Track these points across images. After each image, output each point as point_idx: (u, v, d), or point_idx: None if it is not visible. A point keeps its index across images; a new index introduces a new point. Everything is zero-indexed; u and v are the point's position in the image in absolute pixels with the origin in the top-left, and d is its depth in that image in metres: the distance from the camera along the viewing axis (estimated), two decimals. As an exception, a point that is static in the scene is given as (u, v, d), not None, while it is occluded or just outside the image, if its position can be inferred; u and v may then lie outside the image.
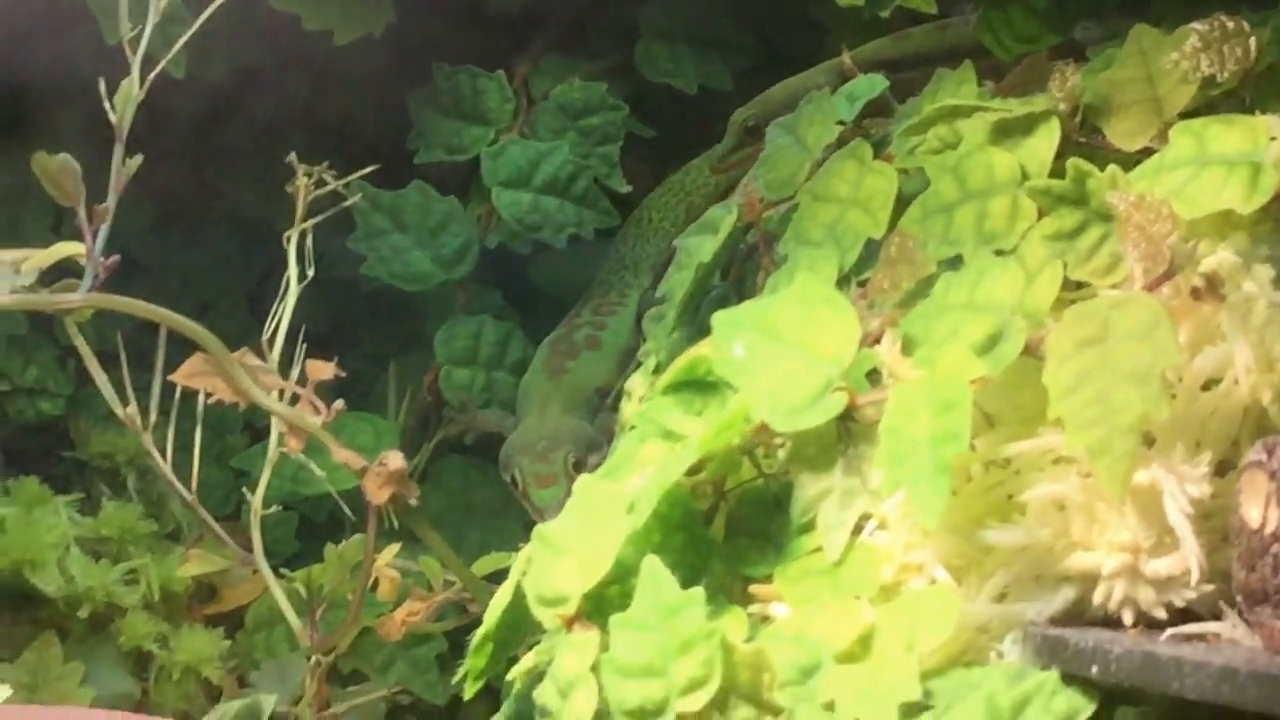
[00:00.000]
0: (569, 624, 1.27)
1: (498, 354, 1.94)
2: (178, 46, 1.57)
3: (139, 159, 1.52)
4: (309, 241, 1.65)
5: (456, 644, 1.65)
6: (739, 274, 1.52)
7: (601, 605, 1.26)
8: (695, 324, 1.48)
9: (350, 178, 1.70)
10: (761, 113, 1.74)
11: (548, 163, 1.94)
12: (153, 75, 1.54)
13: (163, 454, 1.65)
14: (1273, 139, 1.23)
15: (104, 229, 1.50)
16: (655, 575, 1.23)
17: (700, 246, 1.51)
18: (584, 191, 1.94)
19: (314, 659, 1.71)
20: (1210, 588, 1.15)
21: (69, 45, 1.78)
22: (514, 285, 1.99)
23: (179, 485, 1.66)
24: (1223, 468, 1.17)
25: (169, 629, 1.90)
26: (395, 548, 1.63)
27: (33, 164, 1.50)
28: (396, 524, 1.59)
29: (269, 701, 1.72)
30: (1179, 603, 1.16)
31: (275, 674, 1.83)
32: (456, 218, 1.95)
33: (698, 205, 1.85)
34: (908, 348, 1.28)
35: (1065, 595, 1.18)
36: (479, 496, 1.91)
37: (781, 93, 1.75)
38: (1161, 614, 1.16)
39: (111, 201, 1.50)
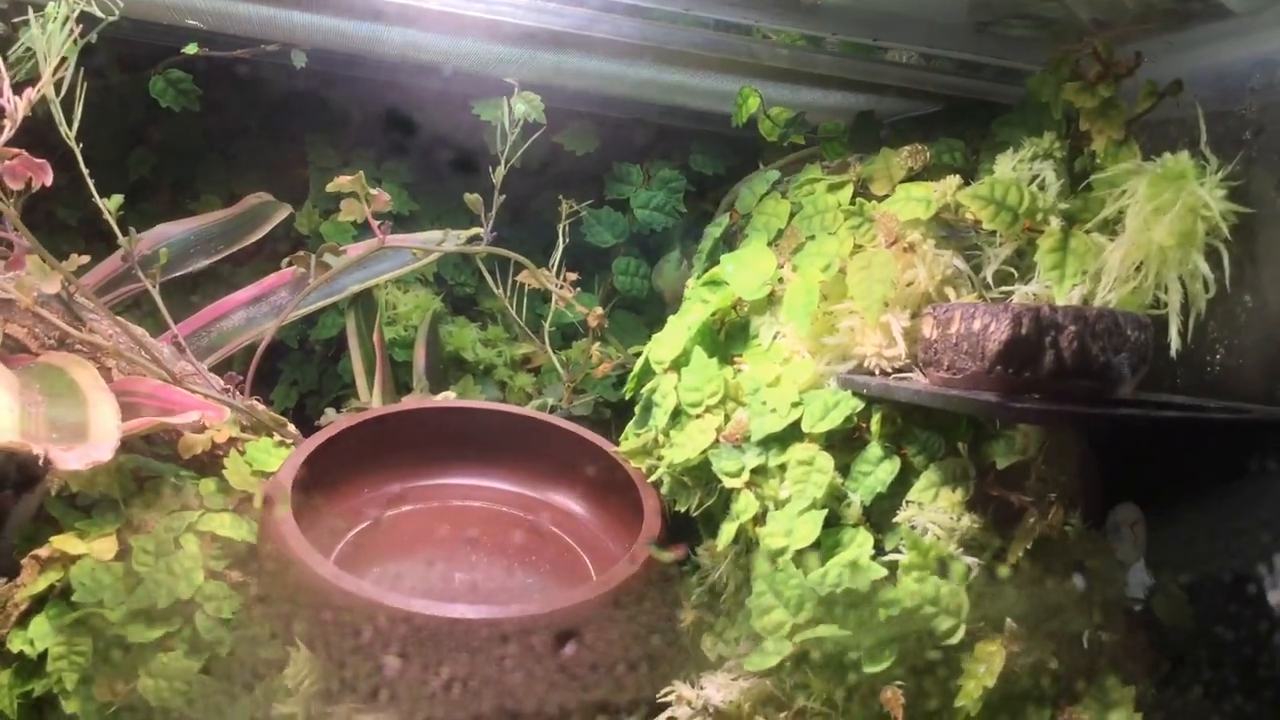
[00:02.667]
0: (665, 371, 1.26)
1: (635, 270, 1.91)
2: (519, 153, 1.54)
3: (503, 196, 1.50)
4: (566, 228, 1.62)
5: (622, 378, 1.64)
6: (730, 241, 1.49)
7: (677, 364, 1.25)
8: (712, 260, 1.45)
9: (583, 205, 1.67)
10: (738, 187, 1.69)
11: (653, 199, 1.90)
12: (508, 165, 1.51)
13: (512, 308, 1.64)
14: (935, 191, 1.20)
15: (491, 220, 1.49)
16: (698, 353, 1.22)
17: (715, 230, 1.49)
18: (667, 210, 1.89)
19: (566, 384, 1.70)
20: (908, 360, 1.13)
21: (475, 152, 1.75)
22: (642, 245, 1.95)
23: (516, 318, 1.65)
24: (915, 316, 1.15)
25: (512, 373, 1.88)
26: (598, 344, 1.61)
27: (465, 199, 1.48)
28: (601, 334, 1.57)
29: (550, 401, 1.72)
30: (897, 365, 1.14)
31: (554, 390, 1.79)
32: (621, 220, 1.91)
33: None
34: (795, 270, 1.26)
35: (852, 363, 1.17)
36: (629, 325, 1.88)
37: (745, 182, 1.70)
38: (890, 370, 1.14)
39: (493, 211, 1.49)
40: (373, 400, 1.61)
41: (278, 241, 1.91)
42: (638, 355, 1.66)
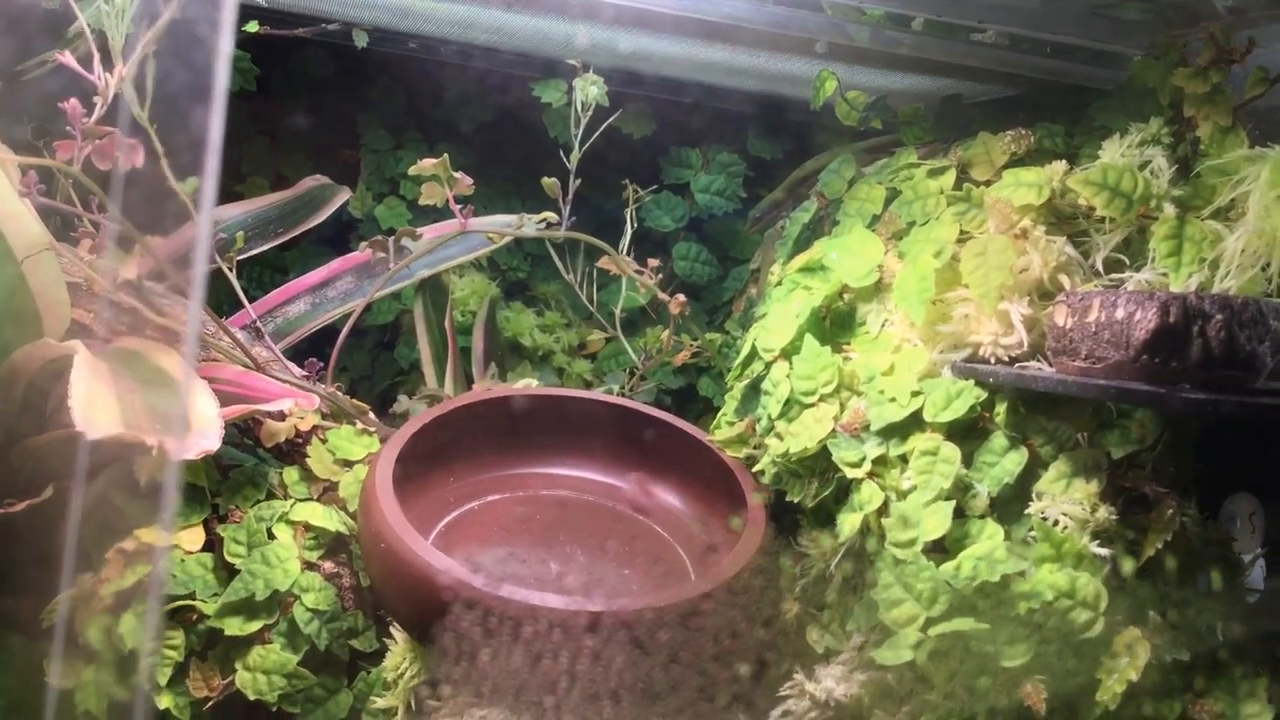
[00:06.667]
0: (775, 360, 1.24)
1: (696, 255, 1.89)
2: (587, 144, 1.51)
3: (579, 181, 1.47)
4: (634, 213, 1.59)
5: (684, 366, 1.63)
6: (815, 229, 1.46)
7: (788, 352, 1.23)
8: (800, 246, 1.43)
9: (648, 191, 1.65)
10: (809, 172, 1.67)
11: (714, 183, 1.88)
12: (579, 154, 1.49)
13: (582, 293, 1.61)
14: (1049, 177, 1.19)
15: (568, 207, 1.47)
16: (810, 341, 1.20)
17: (803, 216, 1.46)
18: (728, 194, 1.88)
19: (631, 371, 1.68)
20: (1028, 349, 1.12)
21: (532, 134, 1.72)
22: (700, 230, 1.92)
23: (585, 301, 1.61)
24: (1032, 303, 1.14)
25: (569, 359, 1.86)
26: (668, 331, 1.59)
27: (542, 184, 1.46)
28: (682, 321, 1.54)
29: (613, 386, 1.70)
30: (1014, 354, 1.13)
31: (615, 377, 1.79)
32: (680, 204, 1.89)
33: (786, 202, 1.78)
34: (901, 256, 1.24)
35: (968, 351, 1.16)
36: (691, 311, 1.83)
37: (812, 165, 1.68)
38: (1007, 359, 1.13)
39: (570, 195, 1.47)
40: (445, 388, 1.58)
41: (324, 225, 1.88)
42: (712, 342, 1.65)
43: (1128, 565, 1.03)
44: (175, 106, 1.17)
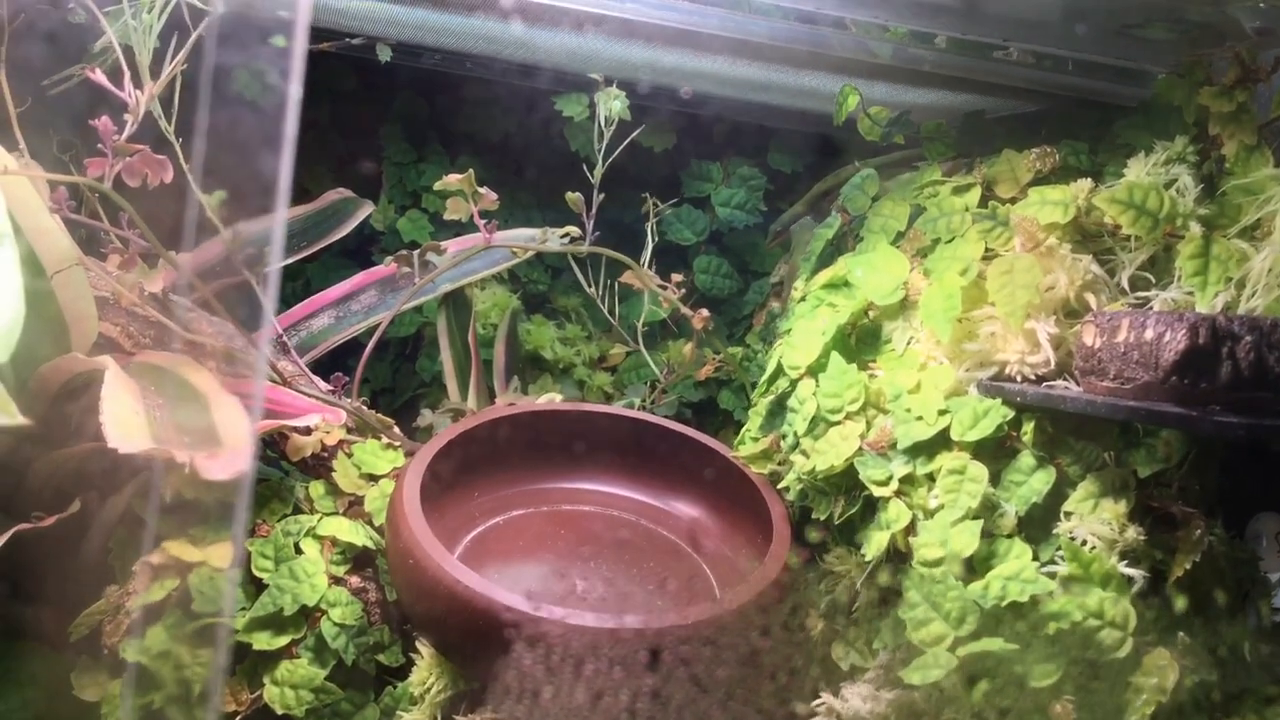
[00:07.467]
0: (801, 377, 1.24)
1: (717, 269, 1.89)
2: (611, 158, 1.50)
3: (602, 196, 1.47)
4: (654, 227, 1.58)
5: (720, 382, 1.63)
6: (838, 244, 1.45)
7: (814, 369, 1.23)
8: (824, 261, 1.43)
9: (667, 205, 1.65)
10: (829, 186, 1.68)
11: (735, 197, 1.88)
12: (602, 170, 1.49)
13: (604, 306, 1.60)
14: (1074, 195, 1.19)
15: (591, 221, 1.46)
16: (836, 359, 1.20)
17: (826, 232, 1.46)
18: (748, 208, 1.88)
19: (652, 384, 1.68)
20: (1055, 368, 1.12)
21: (555, 148, 1.73)
22: (721, 243, 1.92)
23: (607, 314, 1.60)
24: (1058, 322, 1.14)
25: (590, 372, 1.86)
26: (692, 344, 1.58)
27: (566, 198, 1.46)
28: (705, 336, 1.54)
29: (634, 400, 1.70)
30: (1041, 373, 1.13)
31: (635, 390, 1.78)
32: (701, 217, 1.89)
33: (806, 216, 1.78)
34: (926, 274, 1.24)
35: (994, 369, 1.16)
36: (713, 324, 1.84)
37: (833, 179, 1.68)
38: (1034, 377, 1.13)
39: (594, 210, 1.47)
40: (469, 402, 1.59)
41: (345, 237, 1.89)
42: (733, 355, 1.65)
43: (1156, 585, 1.03)
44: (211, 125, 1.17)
